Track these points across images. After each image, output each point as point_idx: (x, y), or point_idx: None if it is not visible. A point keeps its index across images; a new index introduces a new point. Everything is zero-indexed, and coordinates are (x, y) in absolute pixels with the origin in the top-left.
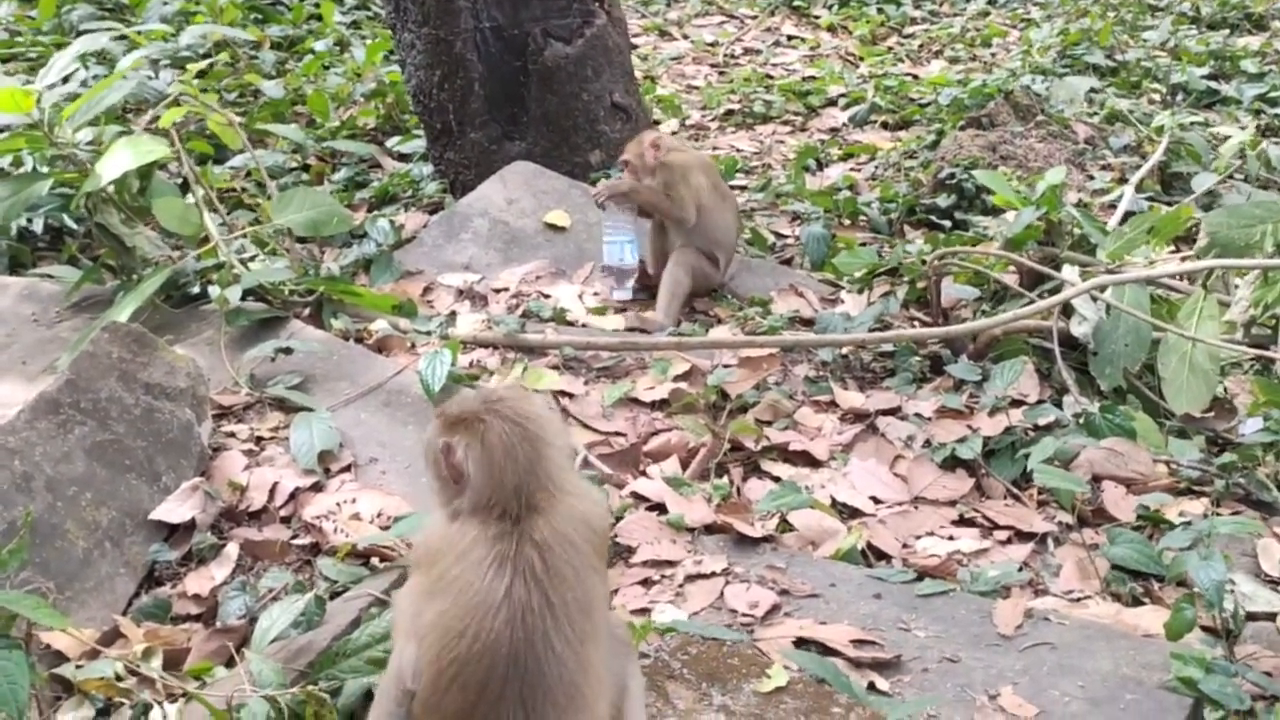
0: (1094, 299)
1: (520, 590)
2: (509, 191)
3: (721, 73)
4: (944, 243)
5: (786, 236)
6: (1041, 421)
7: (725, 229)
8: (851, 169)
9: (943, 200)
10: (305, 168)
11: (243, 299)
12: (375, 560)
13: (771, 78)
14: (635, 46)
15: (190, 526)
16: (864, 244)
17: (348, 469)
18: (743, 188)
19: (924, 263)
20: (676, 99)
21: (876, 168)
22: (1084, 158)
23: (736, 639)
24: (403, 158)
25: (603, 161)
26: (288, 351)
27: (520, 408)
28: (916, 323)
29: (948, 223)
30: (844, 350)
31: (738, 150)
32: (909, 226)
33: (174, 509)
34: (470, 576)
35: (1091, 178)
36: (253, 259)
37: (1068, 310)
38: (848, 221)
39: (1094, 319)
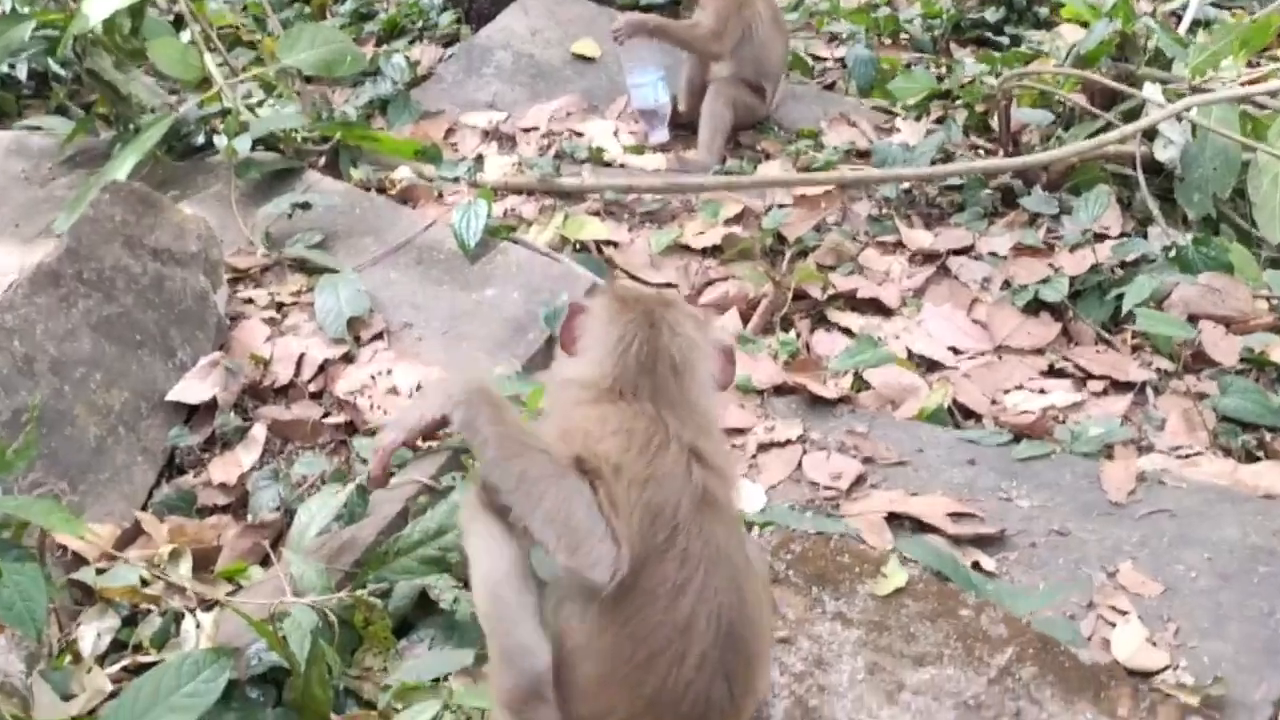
0: (1179, 119)
1: (698, 473)
2: (531, 20)
3: None
4: (1002, 62)
5: (825, 59)
6: (1129, 257)
7: (777, 59)
8: None
9: (991, 14)
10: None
11: (252, 149)
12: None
13: None
14: None
15: (211, 406)
16: (909, 65)
17: (380, 336)
18: None
19: (984, 84)
20: None
21: None
22: None
23: (842, 531)
24: None
25: None
26: (306, 207)
27: (682, 325)
28: (981, 151)
29: (999, 40)
30: (907, 185)
31: None
32: (955, 44)
33: (193, 387)
34: (654, 460)
35: None
36: (260, 104)
37: (1150, 133)
38: (888, 41)
39: (1180, 142)
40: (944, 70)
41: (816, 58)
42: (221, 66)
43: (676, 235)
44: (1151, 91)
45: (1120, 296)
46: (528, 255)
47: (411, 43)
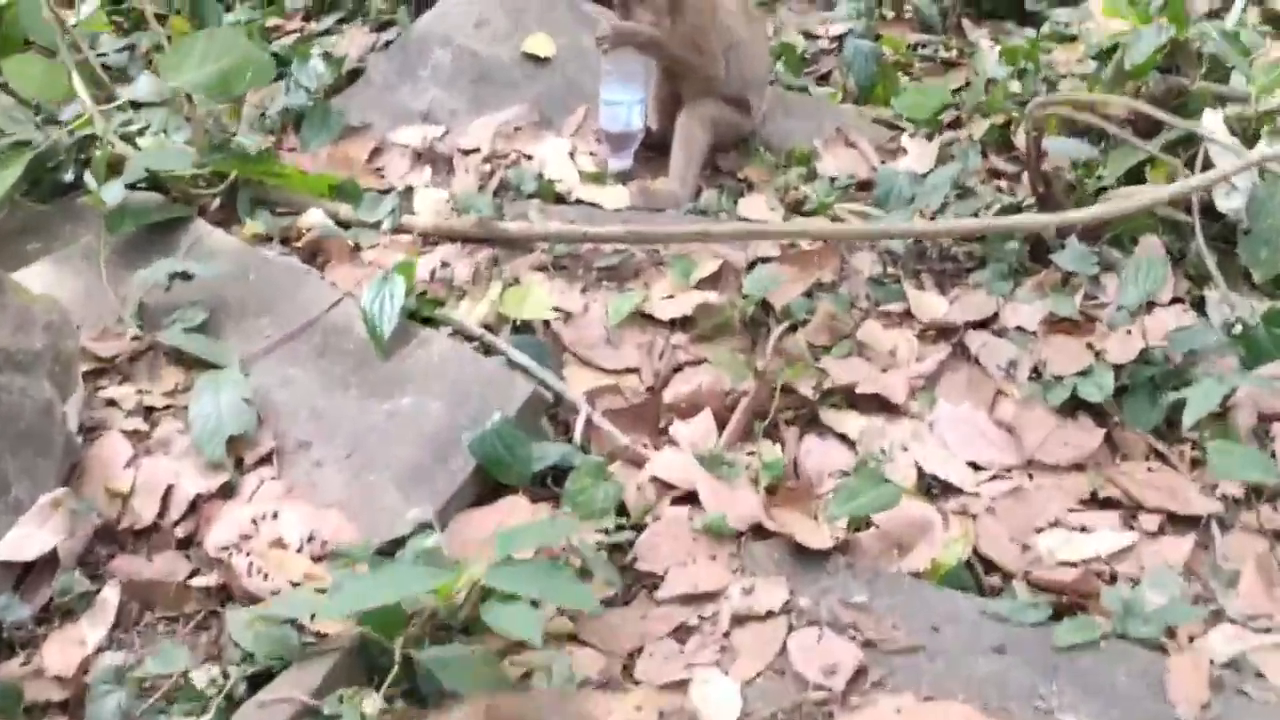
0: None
1: None
2: (477, 8)
3: None
4: (1025, 53)
5: (819, 38)
6: (1189, 347)
7: (758, 63)
8: None
9: None
10: None
11: (133, 187)
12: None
13: None
14: None
15: (52, 561)
16: (913, 46)
17: (268, 459)
18: None
19: (1006, 89)
20: None
21: None
22: None
23: None
24: None
25: None
26: (186, 277)
27: None
28: (1003, 183)
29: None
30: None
31: None
32: (968, 21)
33: (27, 538)
34: None
35: None
36: (144, 130)
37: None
38: (891, 14)
39: (1244, 187)
40: (954, 54)
41: (809, 35)
42: (101, 89)
43: (639, 300)
44: (1212, 121)
45: (1177, 398)
46: (453, 349)
47: (341, 22)
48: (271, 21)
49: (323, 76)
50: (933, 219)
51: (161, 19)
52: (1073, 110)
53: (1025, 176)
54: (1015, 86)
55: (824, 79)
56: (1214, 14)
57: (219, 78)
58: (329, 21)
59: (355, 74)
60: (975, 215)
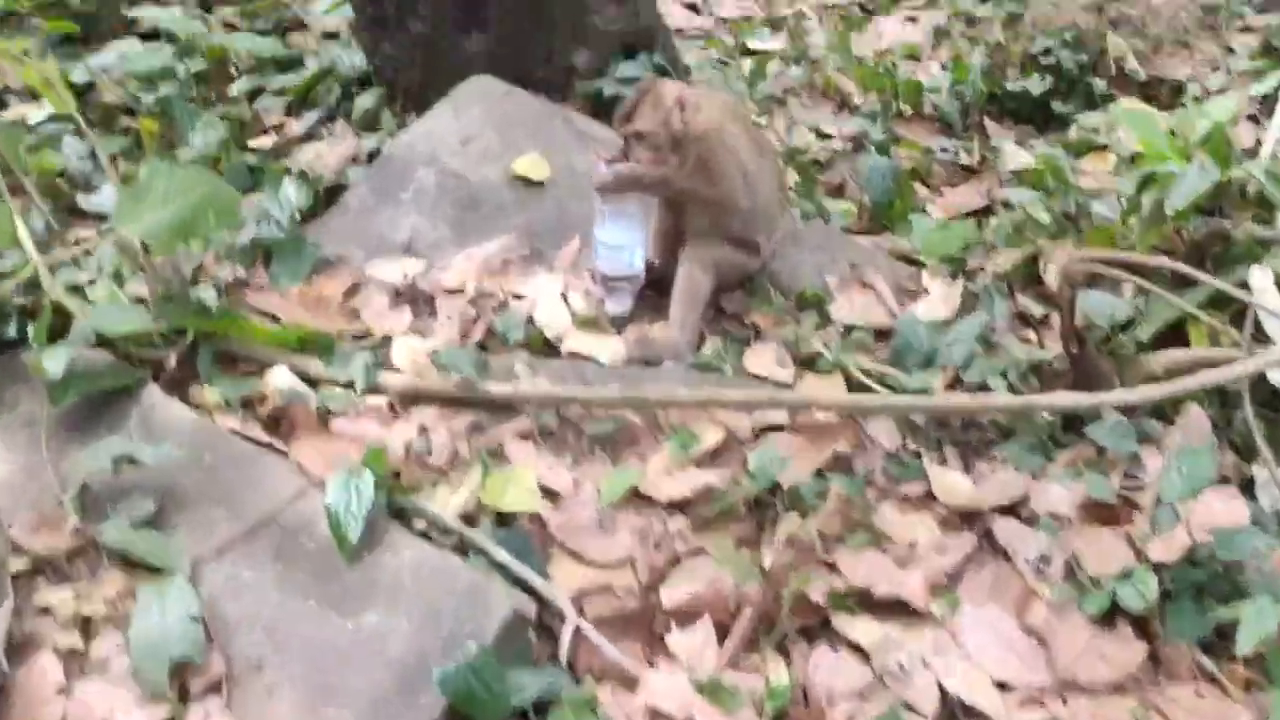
0: None
1: None
2: (464, 124)
3: None
4: (1043, 162)
5: (831, 137)
6: (1238, 556)
7: (767, 198)
8: (908, 16)
9: (1035, 84)
10: (199, 77)
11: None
12: None
13: None
14: None
15: None
16: (929, 151)
17: (217, 688)
18: (768, 55)
19: (1035, 228)
20: None
21: (943, 20)
22: (1218, 14)
23: None
24: (329, 36)
25: (590, 63)
26: (132, 461)
27: None
28: (1032, 331)
29: (1041, 121)
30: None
31: None
32: (990, 119)
33: None
34: None
35: (1231, 50)
36: (95, 280)
37: (1257, 333)
38: (909, 110)
39: None
40: (977, 160)
41: (821, 135)
42: (45, 229)
43: (635, 479)
44: (1261, 281)
45: (1229, 615)
46: (426, 556)
47: (323, 122)
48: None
49: (294, 205)
50: (956, 381)
51: (129, 112)
52: (1109, 267)
53: (1056, 319)
54: (1042, 215)
55: (838, 190)
56: (1251, 152)
57: (176, 224)
58: (311, 118)
59: (334, 191)
60: (1004, 374)
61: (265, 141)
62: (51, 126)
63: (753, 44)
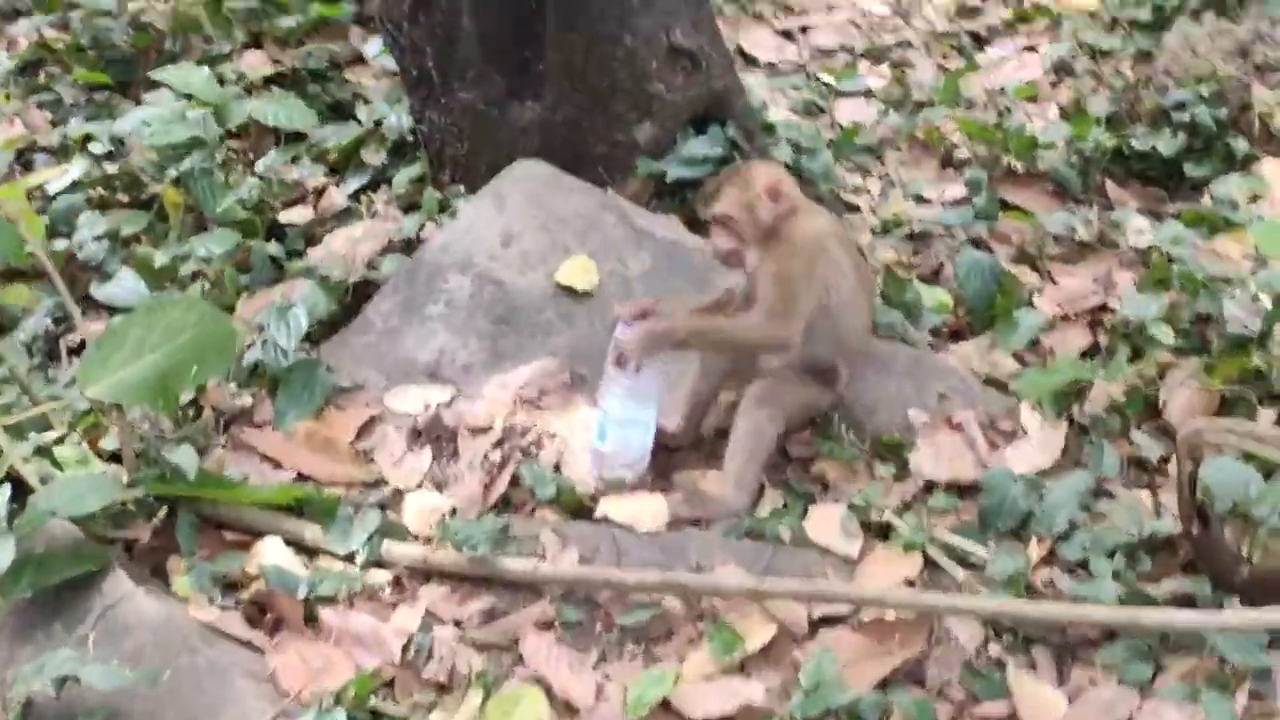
0: None
1: None
2: (507, 219)
3: None
4: (1167, 257)
5: (929, 201)
6: None
7: (859, 327)
8: (1026, 46)
9: (1166, 142)
10: (231, 134)
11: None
12: None
13: None
14: None
15: None
16: (1039, 226)
17: None
18: (873, 95)
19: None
20: None
21: (1065, 56)
22: None
23: None
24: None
25: (654, 138)
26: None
27: None
28: (1147, 490)
29: (1171, 183)
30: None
31: (864, 13)
32: (1113, 180)
33: None
34: None
35: None
36: (62, 439)
37: None
38: (1019, 167)
39: None
40: (1095, 235)
41: (921, 200)
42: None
43: (667, 686)
44: None
45: None
46: None
47: (365, 190)
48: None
49: (316, 311)
50: (1051, 554)
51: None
52: (1235, 442)
53: (1179, 525)
54: (1164, 333)
55: (935, 275)
56: None
57: (154, 378)
58: (354, 184)
59: (364, 289)
60: (1110, 553)
61: (302, 214)
62: (70, 198)
63: (847, 85)
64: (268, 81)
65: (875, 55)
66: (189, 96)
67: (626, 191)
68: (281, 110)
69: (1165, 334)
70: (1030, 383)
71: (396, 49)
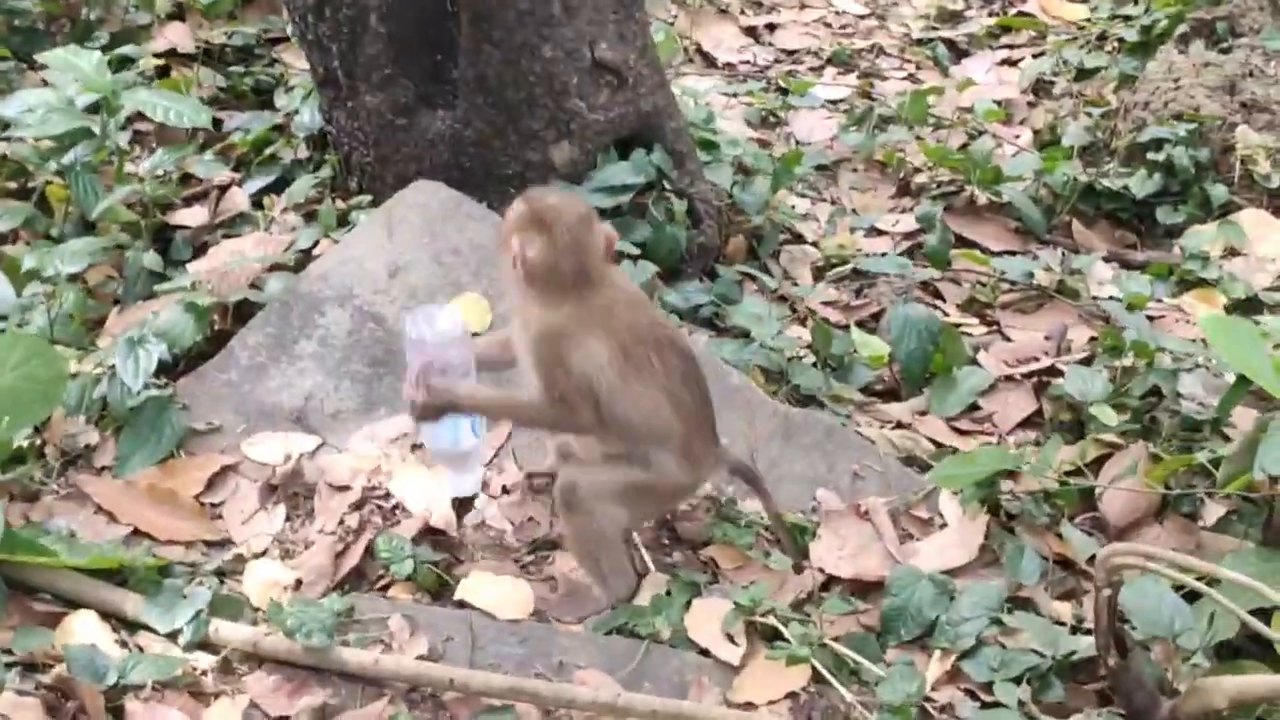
0: None
1: None
2: (396, 247)
3: None
4: (1136, 348)
5: (887, 233)
6: None
7: (646, 411)
8: (1006, 60)
9: (1139, 182)
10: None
11: None
12: None
13: None
14: None
15: None
16: (999, 255)
17: None
18: (836, 105)
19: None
20: None
21: (1044, 74)
22: None
23: None
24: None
25: (572, 160)
26: None
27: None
28: (1073, 596)
29: (1142, 228)
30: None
31: (838, 13)
32: (1080, 220)
33: None
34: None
35: None
36: None
37: None
38: (983, 198)
39: None
40: (1056, 283)
41: (876, 231)
42: None
43: None
44: None
45: None
46: None
47: (268, 192)
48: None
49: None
50: (954, 670)
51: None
52: (1157, 567)
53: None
54: (1108, 416)
55: (875, 319)
56: None
57: None
58: (259, 183)
59: (244, 309)
60: (1017, 679)
61: (197, 216)
62: None
63: (808, 98)
64: (188, 59)
65: (844, 62)
66: None
67: None
68: (173, 107)
69: (1109, 417)
70: (948, 474)
71: (304, 42)
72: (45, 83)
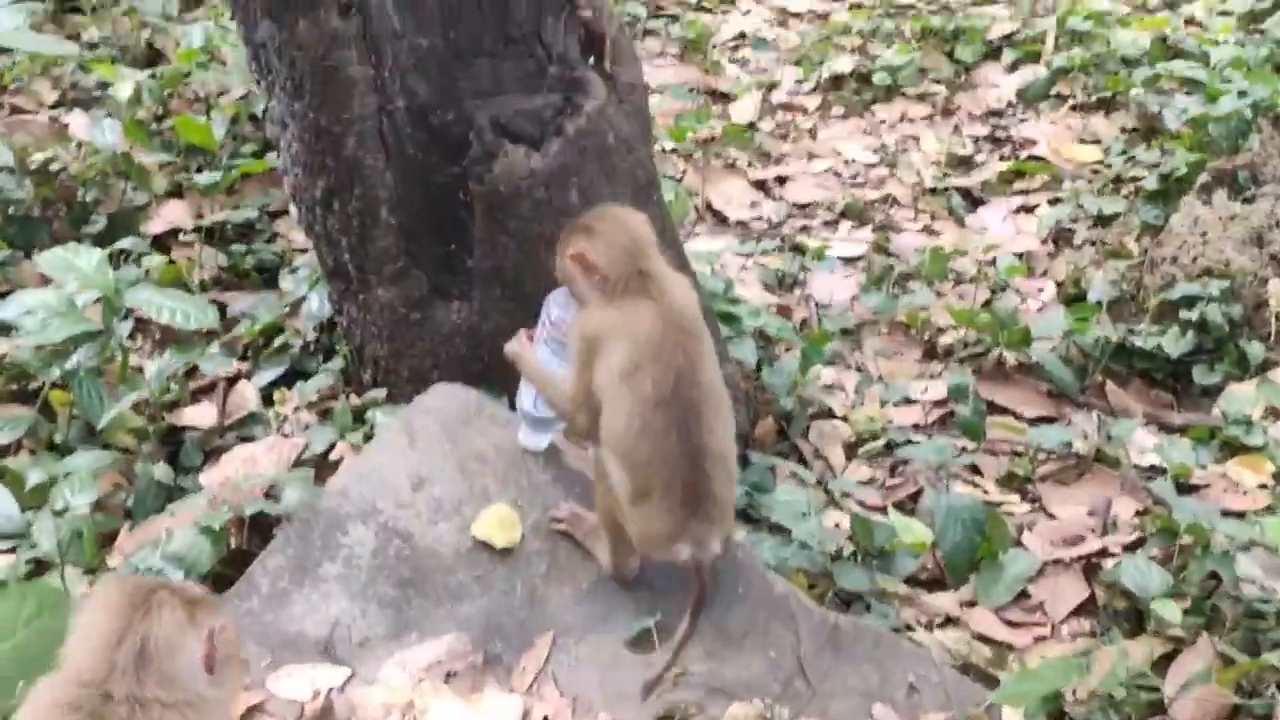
0: None
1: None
2: (419, 457)
3: None
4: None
5: (917, 401)
6: None
7: (650, 455)
8: (1022, 206)
9: (1172, 341)
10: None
11: None
12: None
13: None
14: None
15: None
16: (1034, 422)
17: None
18: (854, 263)
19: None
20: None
21: (1061, 221)
22: None
23: None
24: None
25: None
26: None
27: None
28: None
29: (1178, 388)
30: None
31: (847, 162)
32: (1114, 380)
33: None
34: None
35: None
36: None
37: None
38: (1011, 359)
39: None
40: (1095, 450)
41: (905, 400)
42: None
43: None
44: None
45: None
46: None
47: (276, 387)
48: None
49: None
50: None
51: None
52: None
53: None
54: (1171, 612)
55: (913, 500)
56: None
57: None
58: (268, 376)
59: (262, 524)
60: None
61: (205, 415)
62: None
63: (825, 258)
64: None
65: (857, 214)
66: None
67: None
68: (178, 307)
69: (1172, 613)
70: (1013, 693)
71: (311, 234)
72: (44, 278)
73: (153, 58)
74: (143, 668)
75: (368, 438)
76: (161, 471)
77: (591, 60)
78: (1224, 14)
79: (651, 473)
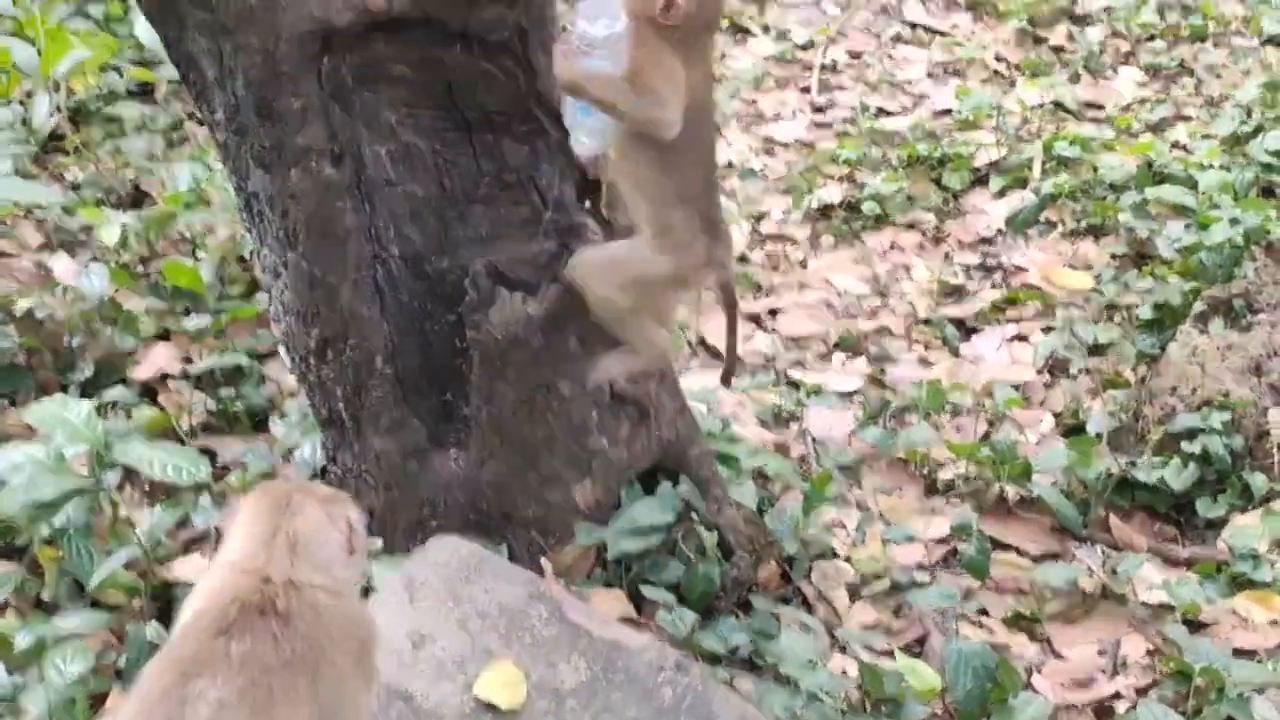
0: None
1: None
2: (419, 614)
3: (818, 110)
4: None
5: (915, 539)
6: None
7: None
8: (1017, 335)
9: (1174, 474)
10: None
11: None
12: None
13: (888, 113)
14: None
15: None
16: (1038, 559)
17: None
18: (850, 397)
19: None
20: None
21: (1057, 350)
22: None
23: None
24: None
25: (595, 500)
26: None
27: None
28: None
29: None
30: None
31: (840, 293)
32: (1116, 515)
33: None
34: None
35: None
36: None
37: None
38: (1013, 494)
39: None
40: (1099, 588)
41: (911, 539)
42: None
43: None
44: None
45: None
46: None
47: None
48: None
49: None
50: None
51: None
52: None
53: None
54: None
55: (920, 644)
56: None
57: None
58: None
59: None
60: None
61: (197, 567)
62: None
63: (821, 394)
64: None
65: (851, 346)
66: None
67: (563, 561)
68: (169, 461)
69: None
70: None
71: (304, 383)
72: (29, 427)
73: (138, 199)
74: (295, 555)
75: (365, 591)
76: (153, 631)
77: (588, 205)
78: (1207, 137)
79: (676, 207)
